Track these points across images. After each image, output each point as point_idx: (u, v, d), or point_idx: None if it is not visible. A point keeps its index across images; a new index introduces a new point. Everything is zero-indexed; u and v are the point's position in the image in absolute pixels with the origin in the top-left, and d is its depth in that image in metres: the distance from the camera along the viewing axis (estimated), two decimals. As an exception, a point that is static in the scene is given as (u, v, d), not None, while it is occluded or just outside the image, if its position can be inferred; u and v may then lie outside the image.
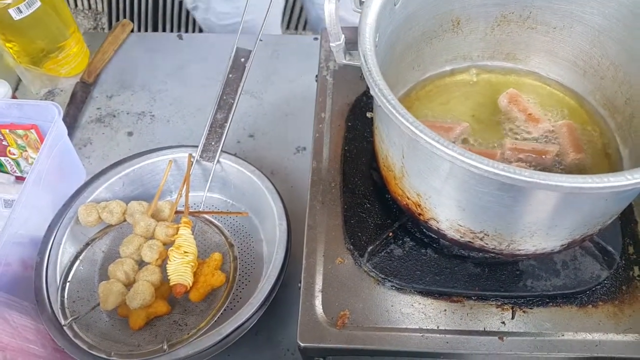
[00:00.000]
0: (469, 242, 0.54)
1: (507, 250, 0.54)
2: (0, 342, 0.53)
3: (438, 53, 0.69)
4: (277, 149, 0.98)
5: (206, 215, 0.78)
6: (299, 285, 0.63)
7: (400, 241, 0.63)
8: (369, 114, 0.75)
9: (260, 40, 0.83)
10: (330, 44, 0.50)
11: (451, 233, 0.54)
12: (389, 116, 0.45)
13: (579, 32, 0.65)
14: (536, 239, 0.51)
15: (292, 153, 0.98)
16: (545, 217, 0.47)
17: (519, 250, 0.53)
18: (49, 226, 0.73)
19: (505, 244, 0.52)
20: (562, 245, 0.54)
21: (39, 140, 0.88)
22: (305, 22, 1.86)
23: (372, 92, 0.46)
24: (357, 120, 0.75)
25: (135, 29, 1.22)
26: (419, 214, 0.56)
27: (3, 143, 0.89)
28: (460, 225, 0.52)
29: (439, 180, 0.48)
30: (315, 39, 1.15)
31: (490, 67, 0.73)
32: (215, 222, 0.78)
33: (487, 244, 0.53)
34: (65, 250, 0.72)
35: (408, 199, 0.56)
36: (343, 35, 0.50)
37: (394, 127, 0.49)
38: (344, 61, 0.52)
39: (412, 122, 0.42)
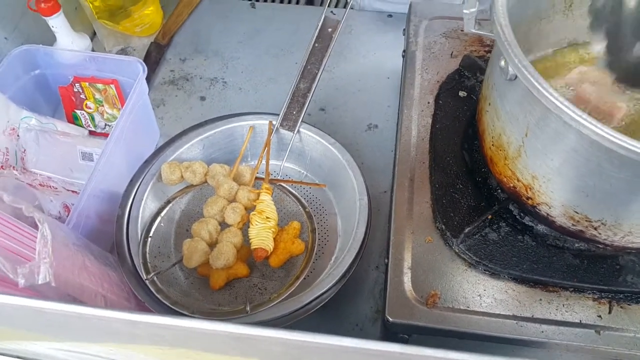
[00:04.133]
0: (580, 231, 0.52)
1: (619, 242, 0.52)
2: (103, 288, 0.53)
3: (544, 35, 0.67)
4: (348, 125, 0.97)
5: (283, 185, 0.77)
6: (386, 261, 0.62)
7: (496, 226, 0.61)
8: (461, 93, 0.73)
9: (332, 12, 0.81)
10: (464, 11, 0.48)
11: (562, 220, 0.52)
12: (519, 89, 0.43)
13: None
14: (656, 232, 0.49)
15: (364, 130, 0.96)
16: (677, 210, 0.45)
17: (633, 242, 0.51)
18: (131, 181, 0.73)
19: (621, 235, 0.50)
20: (679, 242, 0.51)
21: (117, 96, 0.89)
22: None
23: (505, 63, 0.44)
24: (449, 99, 0.73)
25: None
26: (528, 198, 0.54)
27: (81, 96, 0.90)
28: (577, 213, 0.50)
29: (565, 162, 0.46)
30: (390, 16, 1.12)
31: (593, 55, 0.70)
32: (293, 191, 0.77)
33: (600, 234, 0.51)
34: (146, 206, 0.72)
35: (518, 181, 0.54)
36: (478, 2, 0.48)
37: (522, 102, 0.47)
38: (473, 30, 0.50)
39: (557, 96, 0.40)
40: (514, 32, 0.62)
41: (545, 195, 0.51)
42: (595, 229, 0.51)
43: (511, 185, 0.55)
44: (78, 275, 0.49)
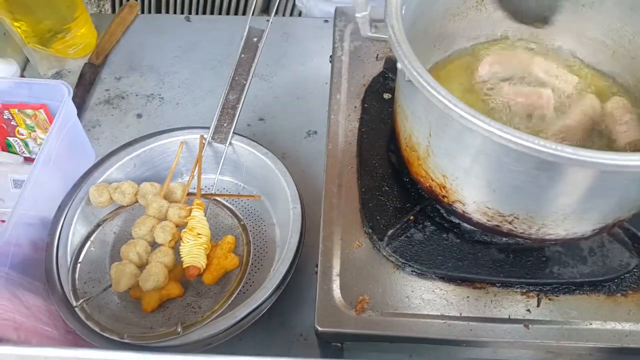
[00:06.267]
0: (497, 226, 0.52)
1: (537, 235, 0.52)
2: (15, 321, 0.52)
3: (461, 31, 0.67)
4: (287, 133, 0.96)
5: (218, 198, 0.76)
6: (316, 269, 0.61)
7: (421, 225, 0.61)
8: (385, 95, 0.73)
9: (267, 21, 0.81)
10: (356, 15, 0.48)
11: (477, 216, 0.52)
12: (417, 91, 0.43)
13: (609, 9, 0.63)
14: (569, 222, 0.49)
15: (303, 137, 0.96)
16: (581, 199, 0.45)
17: (549, 234, 0.51)
18: (59, 206, 0.72)
19: (536, 228, 0.50)
20: (594, 230, 0.52)
21: (47, 121, 0.87)
22: None
23: (400, 65, 0.44)
24: (374, 102, 0.73)
25: (141, 11, 1.20)
26: (443, 197, 0.54)
27: (12, 123, 0.88)
28: (489, 208, 0.50)
29: (469, 159, 0.46)
30: (326, 21, 1.12)
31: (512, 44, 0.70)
32: (228, 204, 0.76)
33: (515, 227, 0.51)
34: (76, 231, 0.70)
35: (432, 180, 0.54)
36: (370, 6, 0.48)
37: (422, 103, 0.47)
38: (369, 33, 0.50)
39: (445, 94, 0.40)
40: (427, 28, 0.63)
41: (457, 193, 0.51)
42: (510, 223, 0.51)
43: (427, 185, 0.55)
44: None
